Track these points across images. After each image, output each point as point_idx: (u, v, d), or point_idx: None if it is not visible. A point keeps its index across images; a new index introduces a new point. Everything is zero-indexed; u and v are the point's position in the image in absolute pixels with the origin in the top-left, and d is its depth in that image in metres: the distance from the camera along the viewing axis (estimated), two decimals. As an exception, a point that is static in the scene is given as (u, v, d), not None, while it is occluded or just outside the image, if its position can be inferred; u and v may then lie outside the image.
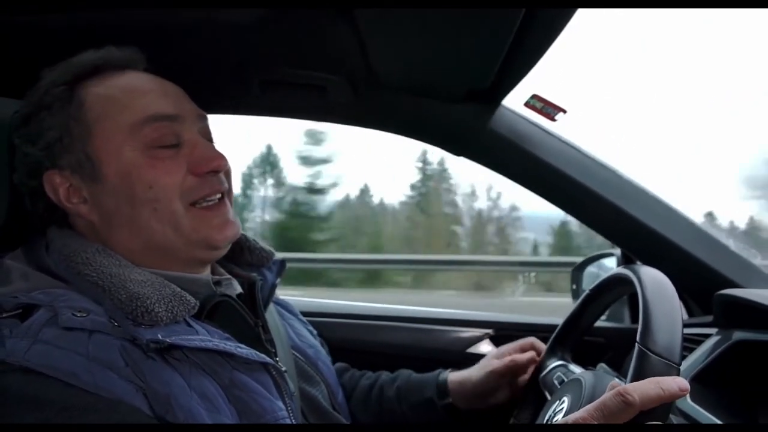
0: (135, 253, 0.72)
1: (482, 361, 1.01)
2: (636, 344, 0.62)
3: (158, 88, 0.75)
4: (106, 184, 0.71)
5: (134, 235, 0.71)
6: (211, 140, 0.79)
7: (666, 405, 0.56)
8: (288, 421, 0.68)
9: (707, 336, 0.92)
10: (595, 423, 0.55)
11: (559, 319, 1.00)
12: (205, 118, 0.79)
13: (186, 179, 0.72)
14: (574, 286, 1.44)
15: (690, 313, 1.11)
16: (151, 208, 0.70)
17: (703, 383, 0.83)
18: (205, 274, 0.78)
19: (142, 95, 0.73)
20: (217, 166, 0.74)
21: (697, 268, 1.04)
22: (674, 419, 0.73)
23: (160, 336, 0.63)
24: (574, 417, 0.57)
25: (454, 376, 1.00)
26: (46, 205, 0.73)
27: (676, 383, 0.57)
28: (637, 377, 0.59)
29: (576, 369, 0.88)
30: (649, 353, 0.60)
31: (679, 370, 0.59)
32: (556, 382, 0.87)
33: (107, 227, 0.72)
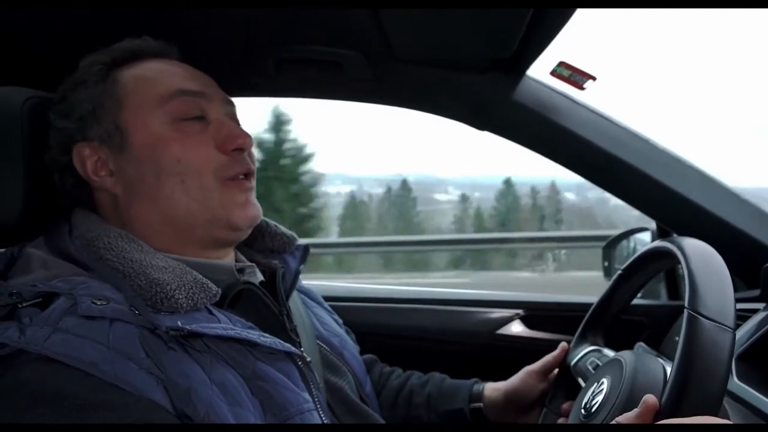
0: (153, 228, 0.71)
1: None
2: (684, 310, 0.57)
3: (188, 71, 0.77)
4: (132, 154, 0.72)
5: (154, 208, 0.71)
6: (237, 124, 0.79)
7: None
8: (314, 413, 0.66)
9: (754, 311, 0.88)
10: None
11: (593, 298, 0.95)
12: (232, 104, 0.80)
13: (215, 156, 0.73)
14: (606, 264, 1.39)
15: (734, 288, 1.06)
16: (178, 180, 0.70)
17: (751, 361, 0.78)
18: (228, 260, 0.77)
19: (172, 74, 0.76)
20: (243, 144, 0.74)
21: (741, 241, 0.99)
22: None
23: (179, 323, 0.61)
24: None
25: (490, 384, 0.96)
26: (74, 182, 0.74)
27: None
28: (688, 345, 0.54)
29: (610, 353, 0.84)
30: (701, 317, 0.55)
31: (734, 335, 0.54)
32: (590, 368, 0.83)
33: (129, 199, 0.72)
